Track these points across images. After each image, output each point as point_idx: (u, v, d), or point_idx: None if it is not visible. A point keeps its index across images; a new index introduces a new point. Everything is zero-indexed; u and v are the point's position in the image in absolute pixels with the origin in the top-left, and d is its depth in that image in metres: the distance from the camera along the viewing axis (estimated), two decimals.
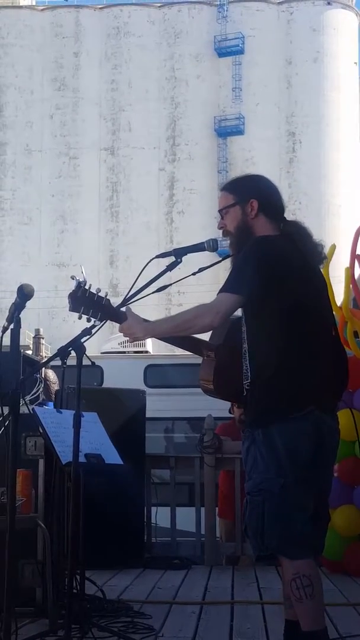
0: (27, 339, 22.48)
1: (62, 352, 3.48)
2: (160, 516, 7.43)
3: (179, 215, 40.63)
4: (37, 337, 21.60)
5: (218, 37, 41.71)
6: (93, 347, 8.87)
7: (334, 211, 40.19)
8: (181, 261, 3.36)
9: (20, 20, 42.70)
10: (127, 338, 3.34)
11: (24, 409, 3.79)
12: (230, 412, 7.22)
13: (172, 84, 41.76)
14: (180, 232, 38.96)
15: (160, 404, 12.80)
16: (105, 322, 3.27)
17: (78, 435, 3.80)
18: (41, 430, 4.35)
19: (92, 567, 5.17)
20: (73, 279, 3.23)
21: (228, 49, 41.54)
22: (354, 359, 5.81)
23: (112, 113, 41.79)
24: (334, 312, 3.55)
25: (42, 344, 21.64)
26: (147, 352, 18.39)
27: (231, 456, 6.93)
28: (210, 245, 3.40)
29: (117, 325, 3.26)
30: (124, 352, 17.76)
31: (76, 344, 3.53)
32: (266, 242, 3.26)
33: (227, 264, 3.36)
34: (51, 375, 12.67)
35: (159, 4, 43.33)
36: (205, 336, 3.39)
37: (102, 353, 17.63)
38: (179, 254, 3.35)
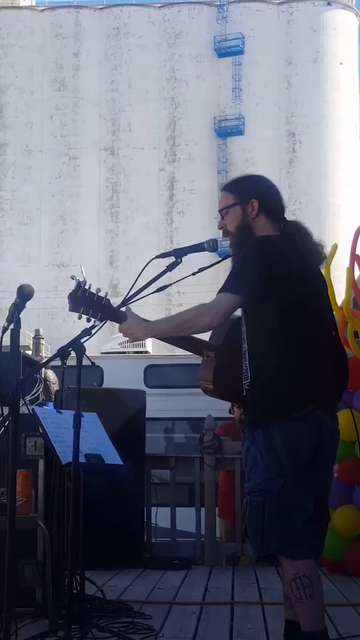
0: (27, 339, 22.49)
1: (62, 353, 3.48)
2: (160, 516, 7.43)
3: (179, 216, 40.63)
4: (37, 338, 21.60)
5: (218, 38, 41.70)
6: (93, 348, 8.86)
7: (334, 211, 40.19)
8: (181, 261, 3.36)
9: (20, 21, 42.69)
10: (127, 338, 3.34)
11: (24, 409, 3.79)
12: (230, 413, 7.21)
13: (172, 85, 41.76)
14: (180, 233, 38.95)
15: (160, 404, 12.79)
16: (105, 322, 3.27)
17: (78, 436, 3.80)
18: (41, 431, 4.35)
19: (92, 567, 5.17)
20: (73, 279, 3.23)
21: (228, 49, 41.53)
22: (354, 359, 5.81)
23: (112, 113, 41.79)
24: (334, 312, 3.55)
25: (42, 344, 21.65)
26: (147, 352, 18.39)
27: (231, 456, 6.93)
28: (210, 246, 3.40)
29: (117, 325, 3.26)
30: (124, 353, 17.77)
31: (76, 344, 3.53)
32: (266, 242, 3.26)
33: (227, 264, 3.36)
34: (51, 375, 12.67)
35: (159, 5, 43.33)
36: (205, 336, 3.39)
37: (102, 353, 17.63)
38: (178, 254, 3.35)
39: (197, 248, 3.39)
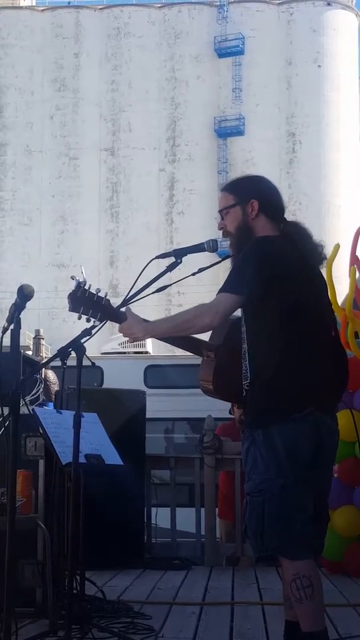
0: (27, 340, 22.49)
1: (62, 353, 3.48)
2: (160, 517, 7.43)
3: (179, 216, 40.63)
4: (37, 338, 21.59)
5: (218, 38, 41.70)
6: (93, 348, 8.86)
7: (334, 211, 40.18)
8: (181, 262, 3.36)
9: (20, 21, 42.69)
10: (127, 338, 3.34)
11: (24, 410, 3.79)
12: (230, 413, 7.15)
13: (172, 85, 41.76)
14: (180, 233, 38.95)
15: (160, 404, 12.80)
16: (105, 323, 3.27)
17: (78, 436, 3.81)
18: (41, 431, 4.35)
19: (92, 567, 5.17)
20: (73, 279, 3.23)
21: (228, 50, 41.53)
22: (354, 360, 5.81)
23: (112, 114, 41.79)
24: (335, 313, 3.55)
25: (42, 344, 21.63)
26: (147, 352, 18.40)
27: (231, 457, 6.93)
28: (210, 246, 3.40)
29: (117, 325, 3.26)
30: (124, 353, 17.78)
31: (76, 345, 3.53)
32: (266, 242, 3.26)
33: (227, 265, 3.36)
34: (51, 375, 12.68)
35: (159, 5, 43.33)
36: (205, 336, 3.39)
37: (102, 354, 17.64)
38: (179, 254, 3.35)
39: (197, 248, 3.39)
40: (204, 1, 42.85)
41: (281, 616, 3.42)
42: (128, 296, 3.33)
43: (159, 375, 16.01)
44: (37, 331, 21.97)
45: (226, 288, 3.16)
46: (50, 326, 33.51)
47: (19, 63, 41.93)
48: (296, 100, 41.45)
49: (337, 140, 41.12)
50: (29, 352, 18.57)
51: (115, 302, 3.28)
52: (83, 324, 3.29)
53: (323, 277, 3.43)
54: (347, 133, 41.57)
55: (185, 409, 14.93)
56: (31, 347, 21.25)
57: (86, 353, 3.65)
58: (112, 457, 4.55)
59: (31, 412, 4.42)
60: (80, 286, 3.21)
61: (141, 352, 18.11)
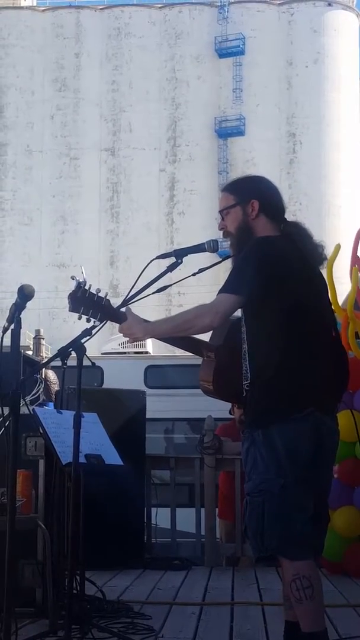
0: (28, 340, 22.48)
1: (63, 353, 3.48)
2: (160, 517, 7.43)
3: (179, 216, 40.63)
4: (38, 338, 21.58)
5: (219, 38, 41.71)
6: (93, 348, 8.87)
7: (335, 212, 40.18)
8: (182, 262, 3.37)
9: (21, 21, 42.70)
10: (127, 338, 3.34)
11: (24, 410, 3.79)
12: (230, 413, 7.16)
13: (172, 85, 41.77)
14: (181, 233, 38.95)
15: (160, 404, 12.81)
16: (105, 323, 3.27)
17: (78, 436, 3.81)
18: (41, 431, 4.35)
19: (92, 567, 5.17)
20: (73, 279, 3.23)
21: (229, 50, 41.54)
22: (354, 360, 5.81)
23: (112, 114, 41.79)
24: (335, 313, 3.55)
25: (43, 344, 21.62)
26: (147, 352, 18.42)
27: (231, 457, 6.93)
28: (211, 246, 3.40)
29: (117, 325, 3.26)
30: (125, 353, 17.80)
31: (76, 345, 3.53)
32: (266, 242, 3.26)
33: (227, 265, 3.36)
34: (51, 375, 12.69)
35: (159, 5, 43.33)
36: (206, 337, 3.39)
37: (102, 354, 17.66)
38: (179, 254, 3.35)
39: (198, 249, 3.39)
40: (204, 1, 42.85)
41: (281, 616, 3.42)
42: (128, 296, 3.33)
43: (159, 375, 16.02)
44: (38, 331, 21.96)
45: (226, 288, 3.16)
46: (50, 326, 33.51)
47: (20, 63, 41.94)
48: (297, 101, 41.45)
49: (338, 140, 41.12)
50: (29, 352, 18.57)
51: (116, 302, 3.28)
52: (83, 324, 3.29)
53: (323, 278, 3.43)
54: (347, 133, 41.57)
55: (185, 409, 14.94)
56: (31, 347, 21.24)
57: (86, 353, 3.65)
58: (112, 457, 4.54)
59: (31, 412, 4.42)
60: (80, 286, 3.21)
61: (141, 352, 18.12)
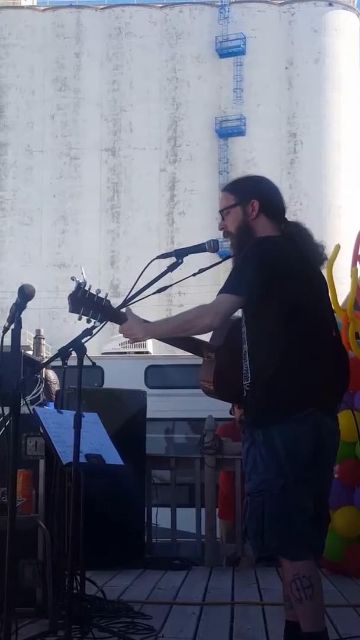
0: (28, 340, 22.50)
1: (63, 353, 3.48)
2: (160, 517, 7.43)
3: (179, 216, 40.64)
4: (38, 338, 21.61)
5: (219, 38, 41.72)
6: (94, 348, 8.87)
7: (335, 212, 40.20)
8: (182, 262, 3.36)
9: (21, 21, 42.72)
10: (128, 339, 3.34)
11: (24, 409, 3.79)
12: (231, 413, 7.17)
13: (173, 85, 41.78)
14: (181, 233, 38.97)
15: (160, 404, 12.81)
16: (105, 323, 3.27)
17: (79, 436, 3.81)
18: (42, 431, 4.35)
19: (93, 567, 5.17)
20: (73, 280, 3.23)
21: (229, 50, 41.56)
22: (354, 360, 5.80)
23: (113, 113, 41.81)
24: (336, 313, 3.54)
25: (43, 344, 21.65)
26: (147, 352, 18.41)
27: (232, 457, 6.93)
28: (211, 246, 3.40)
29: (118, 325, 3.26)
30: (125, 353, 17.79)
31: (77, 345, 3.53)
32: (267, 242, 3.26)
33: (227, 265, 3.36)
34: (52, 375, 12.71)
35: (160, 5, 43.34)
36: (206, 337, 3.39)
37: (102, 354, 17.65)
38: (179, 254, 3.35)
39: (198, 249, 3.39)
40: (205, 1, 42.86)
41: (281, 616, 3.42)
42: (129, 296, 3.32)
43: (159, 375, 16.02)
44: (38, 331, 21.99)
45: (226, 289, 3.16)
46: (50, 326, 33.53)
47: (20, 63, 41.96)
48: (297, 101, 41.47)
49: (338, 140, 41.13)
50: (30, 352, 18.59)
51: (116, 302, 3.28)
52: (84, 324, 3.29)
53: (324, 278, 3.43)
54: (348, 133, 41.58)
55: (185, 409, 14.94)
56: (32, 347, 21.26)
57: (87, 353, 3.65)
58: (113, 457, 4.55)
59: (32, 411, 4.42)
60: (80, 287, 3.20)
61: (142, 352, 18.11)
